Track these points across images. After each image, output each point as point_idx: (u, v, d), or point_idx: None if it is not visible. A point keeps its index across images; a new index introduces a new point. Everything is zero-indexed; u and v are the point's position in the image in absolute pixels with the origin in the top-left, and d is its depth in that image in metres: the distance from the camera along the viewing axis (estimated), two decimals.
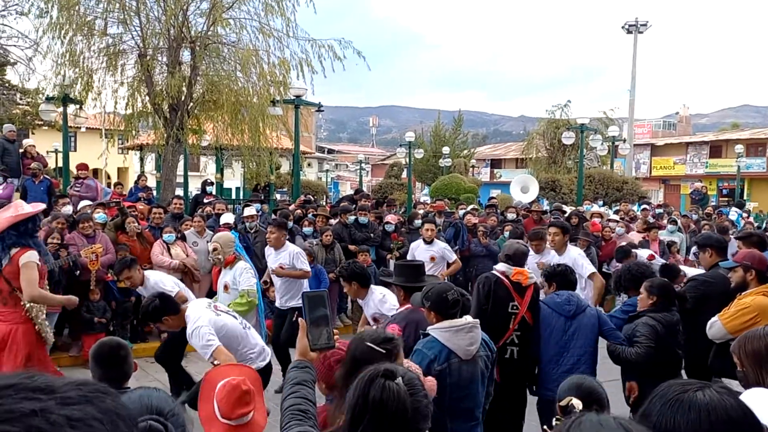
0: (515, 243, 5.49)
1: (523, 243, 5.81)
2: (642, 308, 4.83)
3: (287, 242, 7.47)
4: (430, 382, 3.11)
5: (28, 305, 5.25)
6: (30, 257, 5.15)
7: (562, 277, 4.99)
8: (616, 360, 4.83)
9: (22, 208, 5.42)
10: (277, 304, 7.53)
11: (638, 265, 5.77)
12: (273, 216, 10.92)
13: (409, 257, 8.75)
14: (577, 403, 2.68)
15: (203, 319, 4.52)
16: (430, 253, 8.75)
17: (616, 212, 14.37)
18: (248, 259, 7.05)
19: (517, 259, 5.18)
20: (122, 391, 3.22)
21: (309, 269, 7.51)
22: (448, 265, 9.06)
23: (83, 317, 7.97)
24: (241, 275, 5.81)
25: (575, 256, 6.99)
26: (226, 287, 5.75)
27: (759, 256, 4.78)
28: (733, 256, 5.22)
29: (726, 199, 31.78)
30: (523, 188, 16.64)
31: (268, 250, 7.59)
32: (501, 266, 5.12)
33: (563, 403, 2.74)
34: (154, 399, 2.22)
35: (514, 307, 4.89)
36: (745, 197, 30.03)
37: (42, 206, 5.81)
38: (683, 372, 5.01)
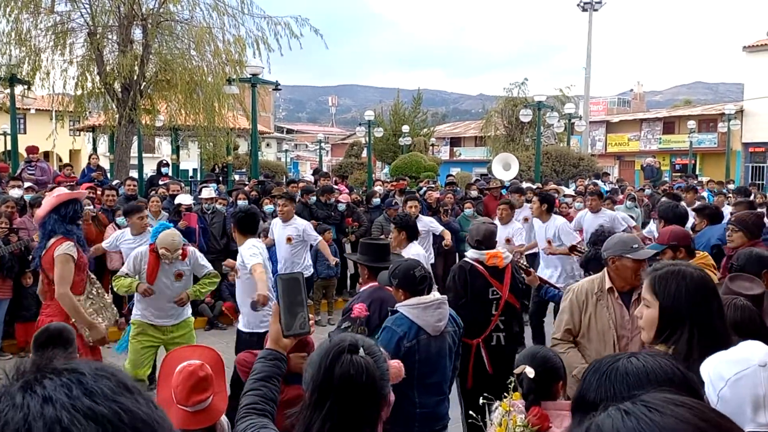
0: (481, 224, 5.13)
1: (489, 221, 5.48)
2: None
3: (295, 216, 8.00)
4: (395, 368, 3.04)
5: None
6: (66, 249, 4.62)
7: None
8: None
9: (63, 191, 5.03)
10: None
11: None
12: (230, 197, 10.74)
13: None
14: (530, 371, 2.68)
15: (260, 246, 5.47)
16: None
17: (575, 189, 14.56)
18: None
19: (488, 240, 4.89)
20: None
21: (320, 237, 8.22)
22: (434, 237, 9.16)
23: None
24: (202, 259, 5.90)
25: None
26: (180, 275, 5.54)
27: (682, 233, 4.65)
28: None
29: (678, 174, 32.47)
30: (505, 166, 16.73)
31: (275, 222, 8.28)
32: (472, 253, 4.89)
33: (517, 371, 2.75)
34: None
35: (495, 293, 4.70)
36: (697, 172, 30.72)
37: (85, 192, 5.37)
38: None
